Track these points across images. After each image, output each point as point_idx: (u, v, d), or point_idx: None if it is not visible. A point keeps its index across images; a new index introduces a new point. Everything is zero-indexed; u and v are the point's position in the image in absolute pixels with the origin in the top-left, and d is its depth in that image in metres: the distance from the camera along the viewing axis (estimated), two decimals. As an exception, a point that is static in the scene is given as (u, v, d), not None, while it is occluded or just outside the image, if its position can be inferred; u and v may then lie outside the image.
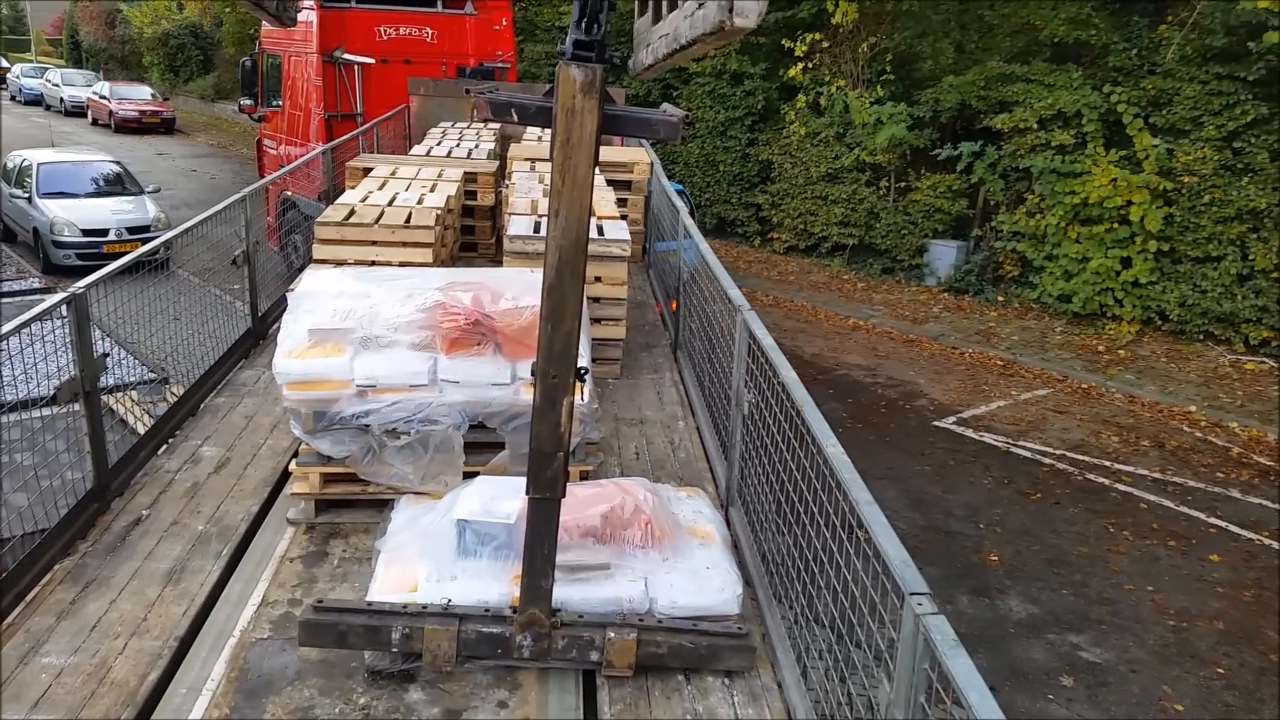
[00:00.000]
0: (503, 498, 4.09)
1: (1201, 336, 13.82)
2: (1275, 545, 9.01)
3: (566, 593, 3.81)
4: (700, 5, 2.30)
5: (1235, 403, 12.21)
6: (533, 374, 3.44)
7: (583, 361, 3.66)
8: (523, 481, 3.59)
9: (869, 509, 2.93)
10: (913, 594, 2.50)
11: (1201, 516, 9.52)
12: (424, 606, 3.72)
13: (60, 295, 4.68)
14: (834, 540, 3.40)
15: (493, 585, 3.90)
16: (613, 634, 3.70)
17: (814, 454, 3.62)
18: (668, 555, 4.10)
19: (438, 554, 4.03)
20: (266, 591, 4.28)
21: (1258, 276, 13.19)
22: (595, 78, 3.05)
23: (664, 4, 3.18)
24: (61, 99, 39.94)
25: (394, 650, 3.68)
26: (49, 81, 42.12)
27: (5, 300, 8.63)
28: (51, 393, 4.58)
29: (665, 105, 4.31)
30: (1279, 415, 11.77)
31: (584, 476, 4.88)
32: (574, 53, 3.07)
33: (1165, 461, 10.76)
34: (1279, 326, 13.09)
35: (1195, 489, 10.11)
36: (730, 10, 2.05)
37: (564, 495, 3.55)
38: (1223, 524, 9.37)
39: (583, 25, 3.07)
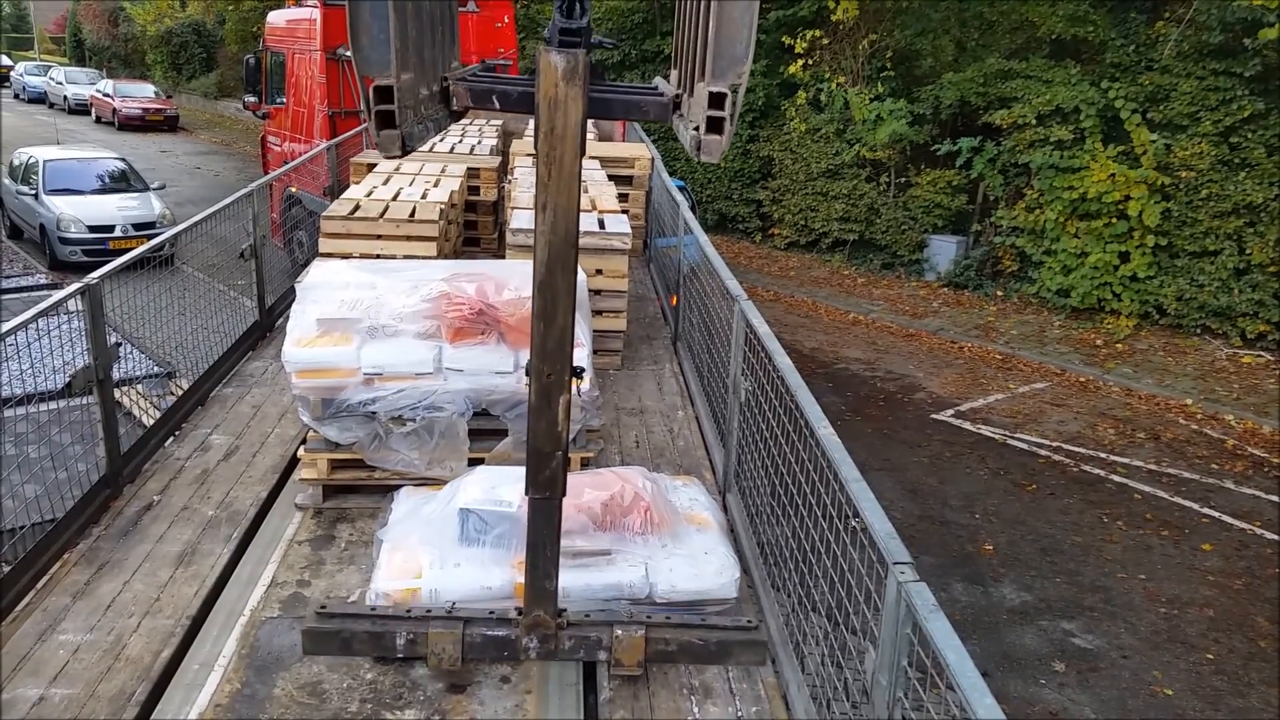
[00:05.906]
0: (504, 486, 4.17)
1: (1199, 330, 13.93)
2: (1267, 535, 9.12)
3: (568, 579, 3.83)
4: (688, 130, 2.88)
5: (1231, 395, 12.32)
6: (527, 373, 3.30)
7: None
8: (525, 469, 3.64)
9: (857, 486, 3.05)
10: (896, 563, 2.62)
11: (1195, 507, 9.63)
12: (428, 610, 3.69)
13: (75, 286, 4.79)
14: (827, 524, 3.50)
15: (495, 571, 3.96)
16: (620, 632, 3.63)
17: (808, 440, 3.72)
18: (666, 541, 4.20)
19: (441, 542, 4.10)
20: (275, 573, 4.41)
21: (1254, 271, 13.29)
22: (578, 64, 2.84)
23: (688, 81, 3.13)
24: (65, 97, 40.12)
25: (399, 656, 3.69)
26: (52, 79, 42.27)
27: (12, 296, 8.72)
28: (66, 381, 4.70)
29: (657, 80, 4.28)
30: (1275, 408, 11.88)
31: (585, 464, 5.00)
32: (560, 39, 2.90)
33: (1160, 453, 10.87)
34: (1275, 320, 13.19)
35: (1189, 480, 10.21)
36: (699, 149, 2.66)
37: (564, 495, 3.42)
38: (1215, 514, 9.48)
39: (563, 8, 2.91)
